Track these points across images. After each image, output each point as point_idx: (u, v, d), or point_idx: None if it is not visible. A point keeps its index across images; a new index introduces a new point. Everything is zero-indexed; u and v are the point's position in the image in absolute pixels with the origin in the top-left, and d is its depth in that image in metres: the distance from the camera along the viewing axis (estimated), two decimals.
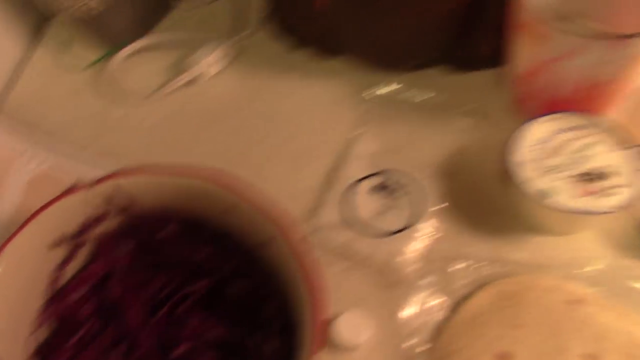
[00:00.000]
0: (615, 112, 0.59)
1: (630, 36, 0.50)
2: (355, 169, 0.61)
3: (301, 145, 0.64)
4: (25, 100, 0.68)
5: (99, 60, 0.71)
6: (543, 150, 0.55)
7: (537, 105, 0.60)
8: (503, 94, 0.65)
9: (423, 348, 0.53)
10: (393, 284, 0.56)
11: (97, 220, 0.49)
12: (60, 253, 0.49)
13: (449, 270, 0.56)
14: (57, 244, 0.48)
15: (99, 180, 0.48)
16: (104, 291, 0.50)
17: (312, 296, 0.43)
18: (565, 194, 0.53)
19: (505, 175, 0.58)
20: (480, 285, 0.55)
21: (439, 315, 0.55)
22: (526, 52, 0.57)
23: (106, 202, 0.49)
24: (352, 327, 0.53)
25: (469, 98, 0.64)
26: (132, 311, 0.48)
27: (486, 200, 0.60)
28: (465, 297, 0.55)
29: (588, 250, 0.57)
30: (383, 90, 0.65)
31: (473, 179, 0.61)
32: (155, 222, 0.50)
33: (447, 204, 0.60)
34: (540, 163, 0.54)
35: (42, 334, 0.50)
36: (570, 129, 0.56)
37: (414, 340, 0.54)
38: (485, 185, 0.60)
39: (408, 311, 0.55)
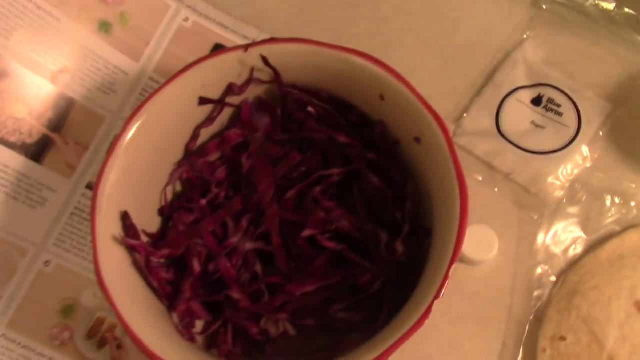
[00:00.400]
0: None
1: None
2: (513, 76, 0.56)
3: (460, 41, 0.59)
4: None
5: None
6: None
7: None
8: None
9: (552, 278, 0.50)
10: (532, 206, 0.53)
11: (246, 84, 0.48)
12: (205, 111, 0.48)
13: (597, 203, 0.52)
14: (205, 101, 0.47)
15: (257, 43, 0.46)
16: (238, 159, 0.49)
17: (463, 201, 0.40)
18: None
19: None
20: (628, 226, 0.51)
21: (575, 249, 0.51)
22: None
23: (258, 67, 0.47)
24: (479, 241, 0.51)
25: None
26: (262, 186, 0.47)
27: None
28: (609, 236, 0.51)
29: None
30: None
31: None
32: (302, 97, 0.48)
33: (610, 131, 0.54)
34: None
35: (174, 189, 0.50)
36: None
37: (543, 269, 0.50)
38: None
39: (542, 237, 0.51)
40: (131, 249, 0.45)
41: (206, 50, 0.59)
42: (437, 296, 0.39)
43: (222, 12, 0.60)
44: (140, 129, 0.44)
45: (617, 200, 0.51)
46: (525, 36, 0.58)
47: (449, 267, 0.39)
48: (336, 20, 0.61)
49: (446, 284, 0.39)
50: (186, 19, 0.59)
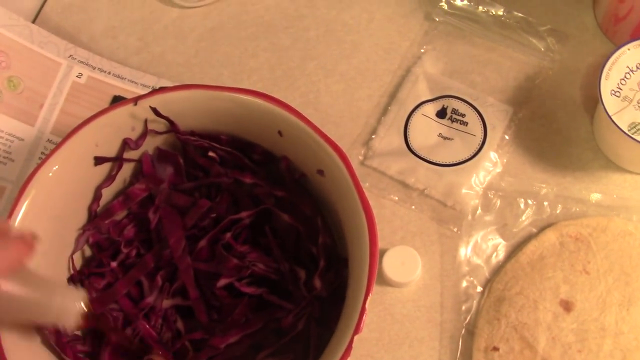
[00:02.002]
0: None
1: None
2: (416, 92, 0.56)
3: (359, 62, 0.59)
4: (65, 6, 0.64)
5: None
6: (636, 80, 0.49)
7: (629, 27, 0.53)
8: (588, 13, 0.58)
9: (479, 289, 0.50)
10: (450, 219, 0.52)
11: (141, 137, 0.46)
12: (103, 170, 0.47)
13: (512, 207, 0.52)
14: (101, 160, 0.46)
15: (146, 95, 0.44)
16: (145, 215, 0.48)
17: (370, 229, 0.40)
18: None
19: (588, 105, 0.53)
20: (544, 227, 0.51)
21: (497, 256, 0.51)
22: None
23: (152, 118, 0.45)
24: (403, 262, 0.50)
25: (548, 16, 0.58)
26: (172, 239, 0.46)
27: (562, 130, 0.54)
28: (528, 239, 0.51)
29: None
30: (453, 4, 0.58)
31: (548, 106, 0.55)
32: (202, 143, 0.47)
33: (515, 134, 0.54)
34: (632, 94, 0.48)
35: (83, 254, 0.48)
36: None
37: (469, 280, 0.50)
38: (562, 113, 0.55)
39: (464, 250, 0.51)
40: (39, 328, 0.42)
41: (105, 105, 0.57)
42: (356, 331, 0.38)
43: (117, 63, 0.59)
44: (31, 204, 0.43)
45: (530, 202, 0.52)
46: (422, 50, 0.58)
47: (365, 300, 0.39)
48: (236, 56, 0.60)
49: (364, 318, 0.38)
50: (79, 75, 0.58)
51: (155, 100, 0.45)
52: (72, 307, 0.36)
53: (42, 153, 0.55)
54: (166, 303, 0.46)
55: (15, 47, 0.56)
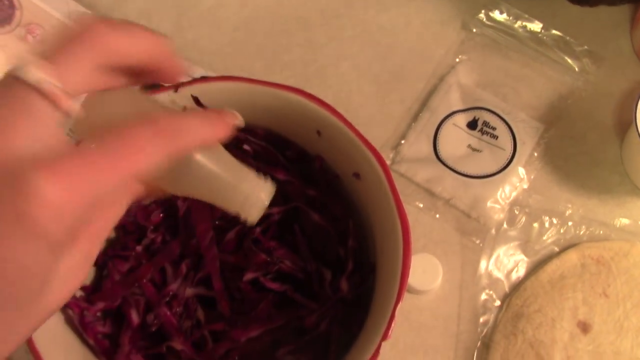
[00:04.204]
0: None
1: None
2: (448, 101, 0.56)
3: (393, 66, 0.59)
4: None
5: None
6: None
7: None
8: (625, 37, 0.58)
9: (497, 303, 0.50)
10: (473, 231, 0.53)
11: None
12: None
13: (536, 225, 0.52)
14: None
15: (187, 83, 0.44)
16: (174, 202, 0.47)
17: (405, 236, 0.40)
18: None
19: (619, 129, 0.53)
20: (567, 247, 0.52)
21: (517, 272, 0.51)
22: None
23: (190, 106, 0.45)
24: (424, 270, 0.50)
25: (587, 36, 0.58)
26: (200, 228, 0.46)
27: (591, 152, 0.55)
28: (549, 257, 0.51)
29: None
30: (492, 16, 0.59)
31: (579, 127, 0.55)
32: (238, 135, 0.47)
33: (544, 152, 0.55)
34: None
35: (108, 236, 0.48)
36: None
37: (488, 294, 0.51)
38: (592, 135, 0.55)
39: (485, 263, 0.51)
40: (64, 306, 0.42)
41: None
42: (384, 337, 0.38)
43: None
44: None
45: (554, 220, 0.52)
46: (457, 59, 0.58)
47: (395, 307, 0.39)
48: (270, 49, 0.60)
49: (393, 324, 0.39)
50: None
51: (197, 89, 0.45)
52: (257, 198, 0.32)
53: None
54: (189, 292, 0.46)
55: (51, 22, 0.56)
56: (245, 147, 0.48)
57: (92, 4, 0.61)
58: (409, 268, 0.40)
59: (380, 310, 0.40)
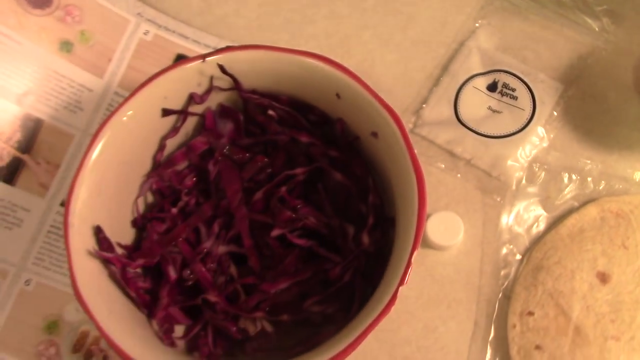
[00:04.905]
0: None
1: None
2: (468, 65, 0.58)
3: (415, 33, 0.60)
4: None
5: None
6: None
7: None
8: None
9: (518, 257, 0.52)
10: (494, 189, 0.54)
11: (207, 92, 0.49)
12: (169, 122, 0.50)
13: (555, 181, 0.53)
14: (168, 112, 0.49)
15: (214, 52, 0.47)
16: (205, 166, 0.51)
17: (420, 188, 0.42)
18: None
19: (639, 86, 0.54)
20: (586, 201, 0.53)
21: (538, 226, 0.53)
22: None
23: (217, 75, 0.48)
24: (446, 227, 0.52)
25: None
26: (230, 190, 0.49)
27: (611, 110, 0.55)
28: (569, 212, 0.53)
29: None
30: None
31: (599, 86, 0.56)
32: (263, 101, 0.49)
33: (564, 111, 0.56)
34: None
35: (146, 200, 0.51)
36: None
37: (509, 248, 0.52)
38: (612, 94, 0.56)
39: (506, 218, 0.53)
40: (106, 262, 0.46)
41: (169, 62, 0.60)
42: (401, 282, 0.41)
43: (182, 23, 0.62)
44: (105, 145, 0.46)
45: (574, 177, 0.53)
46: (477, 25, 0.59)
47: (411, 254, 0.41)
48: (295, 22, 0.62)
49: (409, 271, 0.41)
50: (146, 32, 0.61)
51: (223, 59, 0.47)
52: None
53: (110, 105, 0.59)
54: (222, 249, 0.49)
55: (88, 3, 0.59)
56: (270, 112, 0.50)
57: None
58: (424, 218, 0.42)
59: (398, 259, 0.42)
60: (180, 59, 0.60)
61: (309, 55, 0.47)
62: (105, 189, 0.47)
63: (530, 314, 0.49)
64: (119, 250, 0.48)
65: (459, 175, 0.55)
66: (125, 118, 0.46)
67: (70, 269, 0.43)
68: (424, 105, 0.57)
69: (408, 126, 0.57)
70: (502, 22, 0.59)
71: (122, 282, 0.46)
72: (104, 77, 0.59)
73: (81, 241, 0.45)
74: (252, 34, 0.63)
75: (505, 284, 0.51)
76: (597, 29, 0.57)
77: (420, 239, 0.41)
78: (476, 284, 0.52)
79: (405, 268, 0.41)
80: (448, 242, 0.52)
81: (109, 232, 0.47)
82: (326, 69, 0.46)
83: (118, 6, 0.60)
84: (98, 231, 0.46)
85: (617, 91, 0.56)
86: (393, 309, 0.41)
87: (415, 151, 0.55)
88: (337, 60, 0.46)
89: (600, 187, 0.53)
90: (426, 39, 0.60)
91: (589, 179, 0.53)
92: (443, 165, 0.56)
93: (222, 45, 0.60)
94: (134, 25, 0.61)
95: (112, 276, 0.46)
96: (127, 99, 0.46)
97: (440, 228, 0.52)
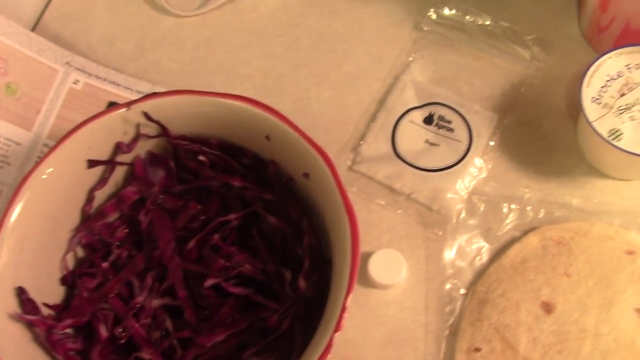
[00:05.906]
0: None
1: None
2: (404, 99, 0.58)
3: (350, 70, 0.60)
4: (64, 15, 0.65)
5: None
6: (616, 87, 0.50)
7: (611, 37, 0.55)
8: (573, 23, 0.59)
9: (462, 291, 0.51)
10: (435, 223, 0.54)
11: (134, 141, 0.47)
12: (96, 173, 0.48)
13: (495, 212, 0.53)
14: (94, 163, 0.47)
15: (138, 100, 0.46)
16: (137, 217, 0.49)
17: (352, 229, 0.41)
18: (638, 136, 0.48)
19: (572, 112, 0.54)
20: (527, 231, 0.52)
21: (480, 259, 0.52)
22: None
23: (144, 123, 0.47)
24: (388, 265, 0.51)
25: (534, 26, 0.59)
26: (162, 240, 0.47)
27: (546, 137, 0.55)
28: (511, 242, 0.52)
29: None
30: (441, 13, 0.60)
31: (533, 114, 0.56)
32: (193, 147, 0.48)
33: (500, 140, 0.56)
34: (612, 101, 0.50)
35: (76, 255, 0.49)
36: None
37: (453, 283, 0.51)
38: (546, 121, 0.56)
39: (448, 253, 0.52)
40: (30, 325, 0.44)
41: (100, 110, 0.59)
42: (336, 329, 0.39)
43: (113, 70, 0.60)
44: (26, 205, 0.44)
45: (513, 206, 0.53)
46: (410, 59, 0.59)
47: (346, 298, 0.40)
48: (230, 64, 0.62)
49: (344, 316, 0.39)
50: (76, 82, 0.59)
51: (148, 105, 0.46)
52: None
53: (39, 157, 0.56)
54: (155, 302, 0.47)
55: (14, 54, 0.58)
56: (201, 158, 0.49)
57: (56, 35, 0.63)
58: (358, 259, 0.41)
59: (333, 303, 0.41)
60: (112, 106, 0.59)
61: (235, 97, 0.46)
62: (29, 247, 0.45)
63: (477, 349, 0.48)
64: (46, 311, 0.46)
65: (399, 210, 0.54)
66: (45, 176, 0.44)
67: None
68: (361, 142, 0.57)
69: (347, 163, 0.56)
70: (435, 55, 0.59)
71: (48, 345, 0.44)
72: (33, 129, 0.57)
73: (3, 303, 0.43)
74: (187, 78, 0.62)
75: (452, 320, 0.50)
76: (528, 57, 0.58)
77: (354, 281, 0.40)
78: (422, 321, 0.51)
79: (340, 313, 0.39)
80: (391, 281, 0.51)
81: (34, 292, 0.45)
82: (253, 111, 0.45)
83: (45, 56, 0.59)
84: (21, 292, 0.44)
85: (551, 118, 0.56)
86: (335, 354, 0.40)
87: (355, 188, 0.55)
88: (274, 99, 0.45)
89: (540, 216, 0.52)
90: (361, 75, 0.60)
91: (529, 207, 0.53)
92: (383, 202, 0.55)
93: (156, 90, 0.59)
94: (63, 75, 0.59)
95: (36, 340, 0.44)
96: (46, 155, 0.44)
97: (383, 267, 0.51)
